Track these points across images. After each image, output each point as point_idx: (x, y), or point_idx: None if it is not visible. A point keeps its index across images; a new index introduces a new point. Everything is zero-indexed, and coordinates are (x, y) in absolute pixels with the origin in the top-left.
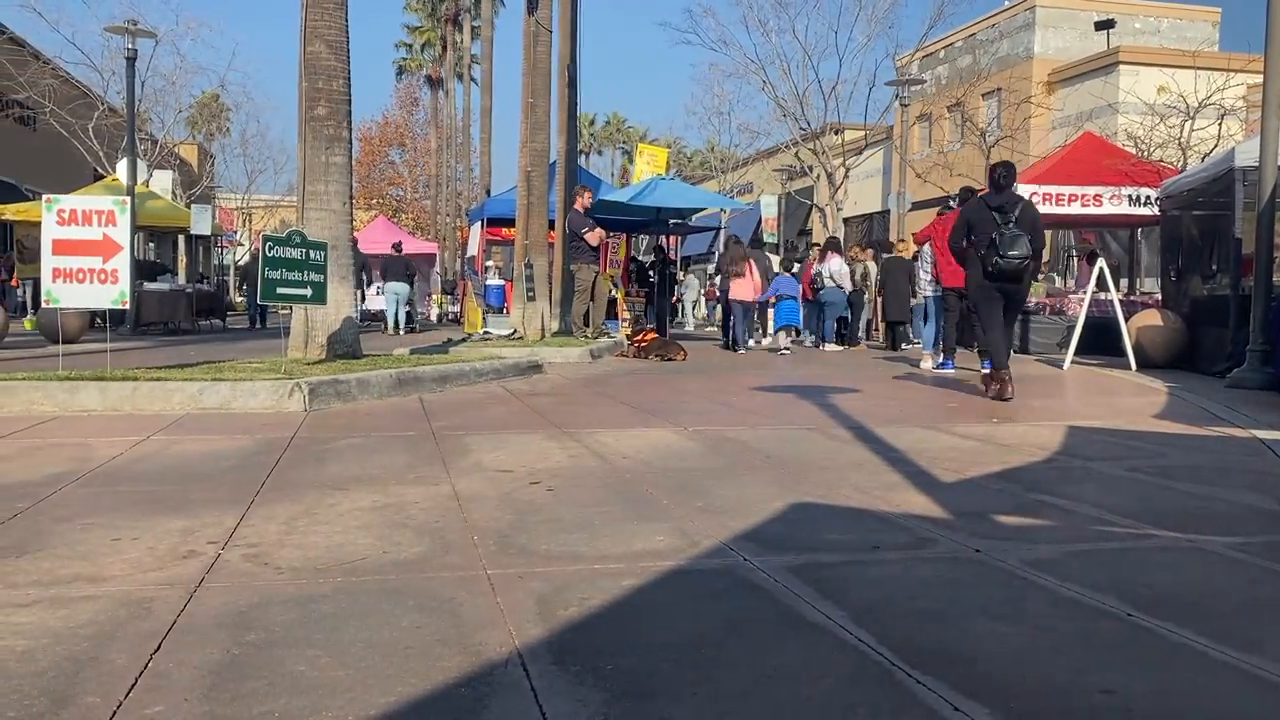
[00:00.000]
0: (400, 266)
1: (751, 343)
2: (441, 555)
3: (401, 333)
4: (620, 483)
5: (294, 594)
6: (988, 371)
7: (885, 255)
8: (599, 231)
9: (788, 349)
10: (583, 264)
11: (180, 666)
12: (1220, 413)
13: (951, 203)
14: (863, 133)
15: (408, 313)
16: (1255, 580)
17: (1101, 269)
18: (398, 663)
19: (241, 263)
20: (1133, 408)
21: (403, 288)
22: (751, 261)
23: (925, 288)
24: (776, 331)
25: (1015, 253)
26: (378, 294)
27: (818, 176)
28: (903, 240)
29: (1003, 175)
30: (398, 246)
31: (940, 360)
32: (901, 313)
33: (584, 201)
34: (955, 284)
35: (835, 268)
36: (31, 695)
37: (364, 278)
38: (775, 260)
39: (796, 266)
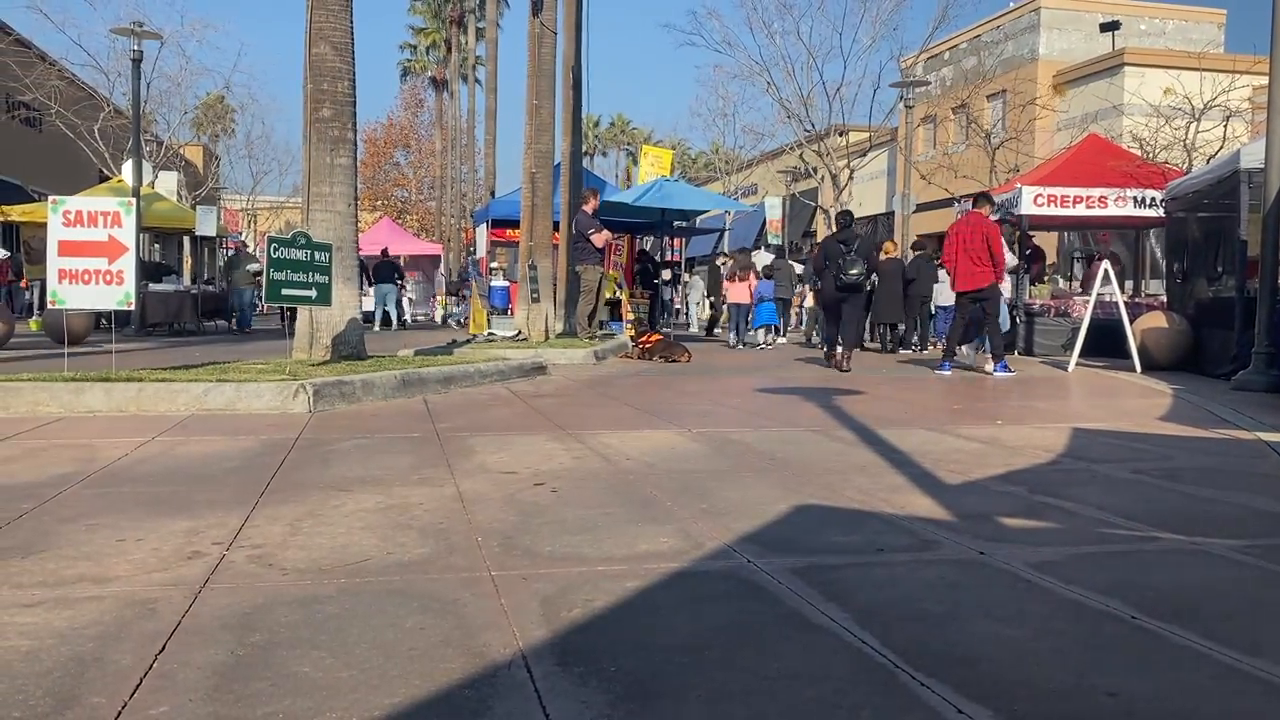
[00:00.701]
0: (388, 269)
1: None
2: (445, 556)
3: (380, 328)
4: (624, 484)
5: (298, 595)
6: (829, 351)
7: (879, 257)
8: (605, 234)
9: (768, 343)
10: (588, 265)
11: (185, 667)
12: (1225, 415)
13: (966, 205)
14: (867, 134)
15: (393, 311)
16: (1260, 583)
17: (1106, 270)
18: (402, 664)
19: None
20: (1137, 410)
21: (390, 288)
22: (754, 270)
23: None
24: (756, 329)
25: (854, 271)
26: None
27: (822, 178)
28: (891, 240)
29: (845, 220)
30: (385, 251)
31: (941, 362)
32: (895, 314)
33: (593, 204)
34: (966, 288)
35: None
36: (36, 695)
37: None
38: (799, 267)
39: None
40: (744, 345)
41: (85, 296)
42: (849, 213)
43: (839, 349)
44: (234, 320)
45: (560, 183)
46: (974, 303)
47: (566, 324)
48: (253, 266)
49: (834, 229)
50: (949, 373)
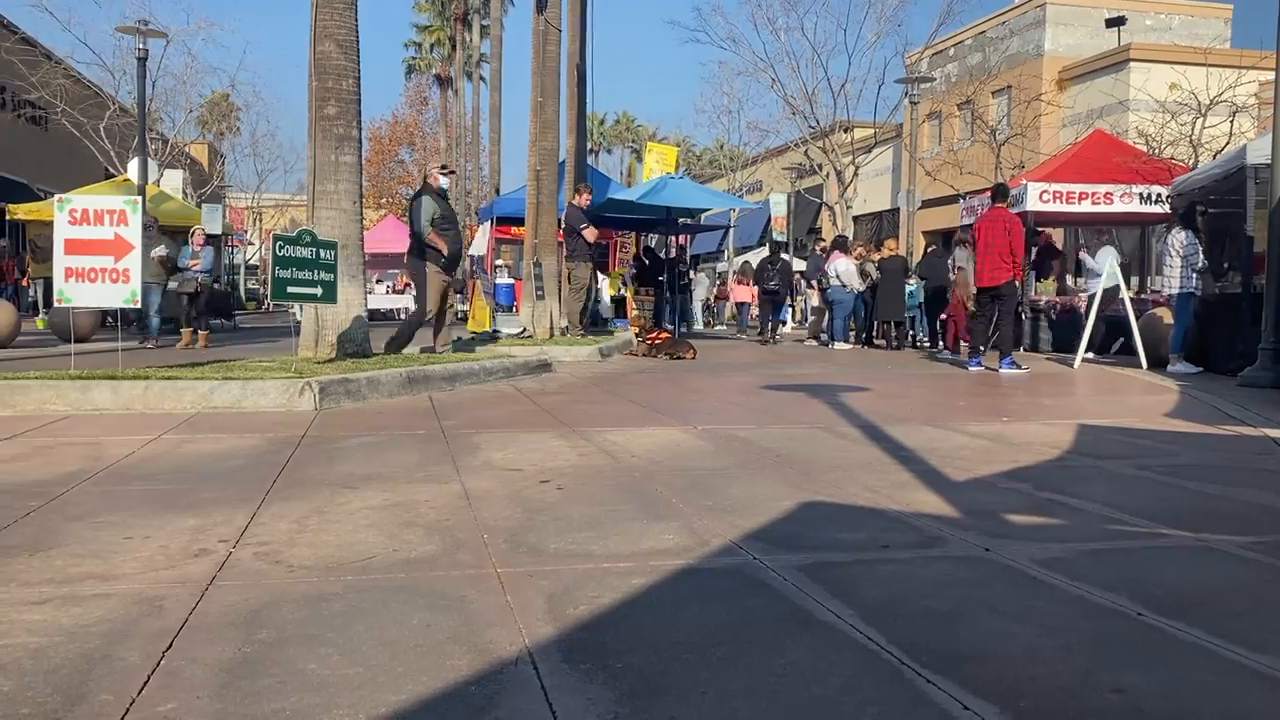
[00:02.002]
0: None
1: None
2: (452, 554)
3: None
4: (630, 482)
5: (305, 592)
6: (763, 335)
7: (881, 255)
8: (593, 229)
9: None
10: (580, 261)
11: (192, 664)
12: (1232, 411)
13: (971, 202)
14: (872, 131)
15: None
16: (1267, 579)
17: (1113, 267)
18: (408, 661)
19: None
20: (1144, 406)
21: None
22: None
23: (1173, 282)
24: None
25: (773, 284)
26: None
27: (827, 175)
28: (894, 239)
29: (774, 247)
30: None
31: (973, 360)
32: (896, 312)
33: (583, 200)
34: (990, 284)
35: (842, 268)
36: (45, 693)
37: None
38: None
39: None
40: (745, 337)
41: (92, 294)
42: (779, 243)
43: (769, 333)
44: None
45: (565, 180)
46: (992, 300)
47: (571, 321)
48: (158, 251)
49: (771, 252)
50: (979, 369)
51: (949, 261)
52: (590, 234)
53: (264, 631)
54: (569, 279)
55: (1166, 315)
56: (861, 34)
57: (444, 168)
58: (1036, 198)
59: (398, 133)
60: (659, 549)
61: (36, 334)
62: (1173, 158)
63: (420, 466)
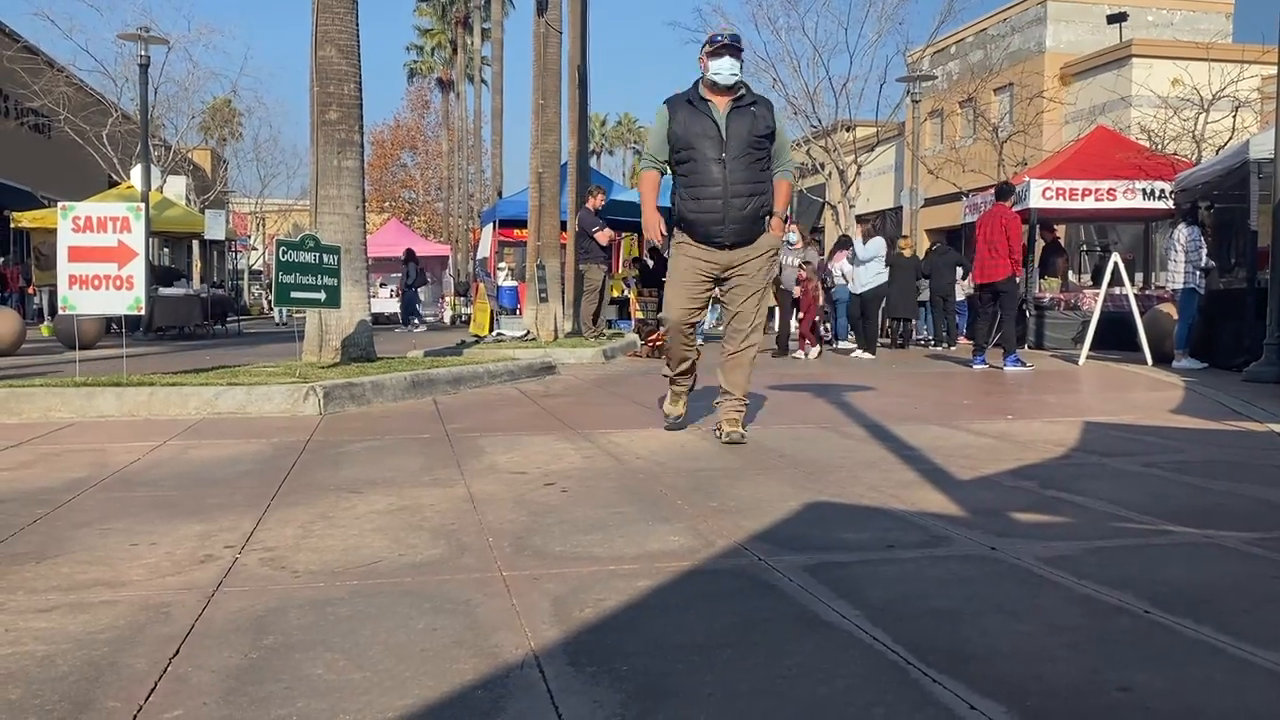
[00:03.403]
0: None
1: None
2: (457, 557)
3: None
4: (634, 483)
5: (311, 597)
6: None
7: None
8: (609, 231)
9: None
10: (592, 264)
11: (199, 670)
12: (1237, 407)
13: (975, 200)
14: (874, 129)
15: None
16: (1274, 575)
17: (1116, 264)
18: (415, 665)
19: None
20: (1149, 403)
21: None
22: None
23: (1177, 277)
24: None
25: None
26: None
27: (829, 174)
28: (905, 237)
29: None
30: None
31: (977, 358)
32: (907, 309)
33: (596, 202)
34: (988, 279)
35: (846, 266)
36: (52, 700)
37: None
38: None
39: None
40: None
41: (96, 301)
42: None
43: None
44: None
45: (567, 182)
46: (993, 298)
47: (575, 324)
48: None
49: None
50: (983, 366)
51: (951, 258)
52: (603, 237)
53: (270, 637)
54: (584, 281)
55: (1171, 312)
56: (863, 33)
57: (710, 42)
58: (1040, 195)
59: (400, 136)
60: (664, 551)
61: (42, 341)
62: (1175, 153)
63: (425, 470)
